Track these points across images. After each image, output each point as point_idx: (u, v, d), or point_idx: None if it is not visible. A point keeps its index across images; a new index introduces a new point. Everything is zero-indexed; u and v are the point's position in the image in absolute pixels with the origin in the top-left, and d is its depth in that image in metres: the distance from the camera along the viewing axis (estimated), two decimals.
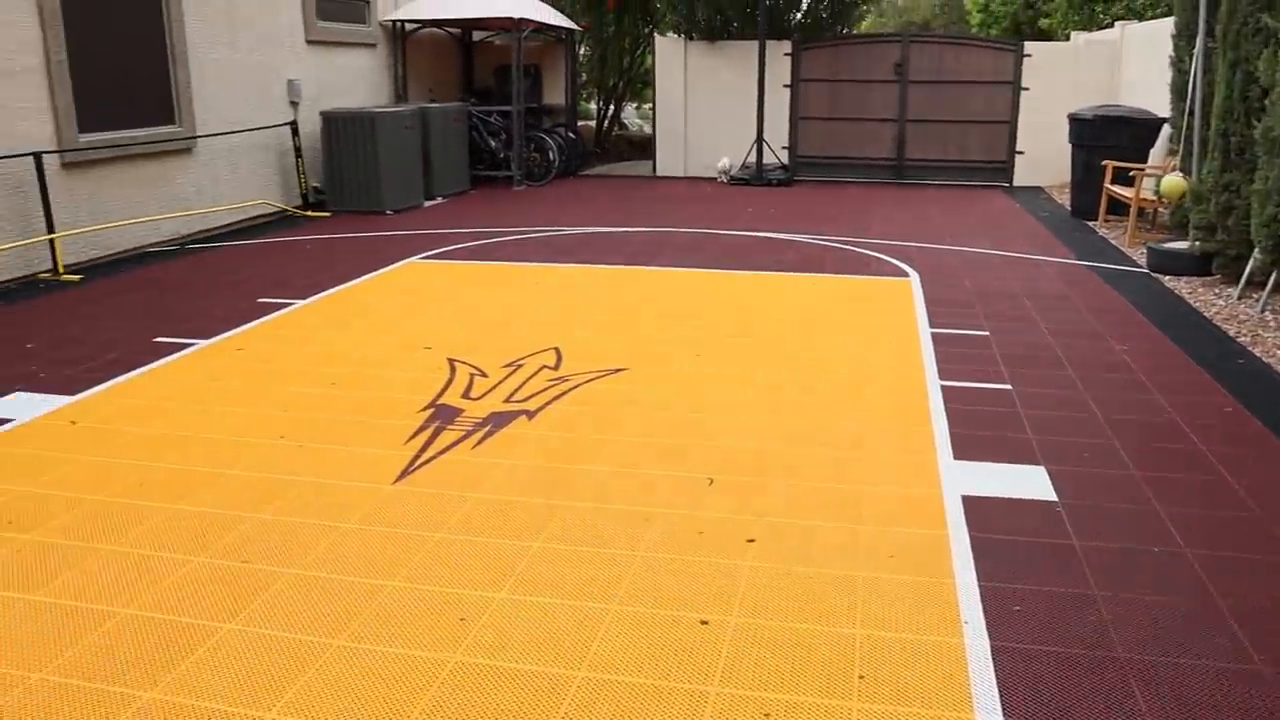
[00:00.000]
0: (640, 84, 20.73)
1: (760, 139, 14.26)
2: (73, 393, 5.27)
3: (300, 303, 7.17)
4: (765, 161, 14.35)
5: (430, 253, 9.05)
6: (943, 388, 5.20)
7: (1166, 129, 10.75)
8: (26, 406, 5.08)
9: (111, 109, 8.99)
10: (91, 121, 8.74)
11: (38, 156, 8.01)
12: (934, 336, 6.17)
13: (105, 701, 2.68)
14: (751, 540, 3.55)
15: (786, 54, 14.76)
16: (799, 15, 16.23)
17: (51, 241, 8.21)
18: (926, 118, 14.51)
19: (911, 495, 3.92)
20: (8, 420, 4.88)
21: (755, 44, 14.35)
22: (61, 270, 8.25)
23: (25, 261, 8.16)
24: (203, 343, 6.15)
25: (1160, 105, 11.01)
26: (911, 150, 14.67)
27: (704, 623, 3.03)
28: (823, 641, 2.93)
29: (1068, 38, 17.05)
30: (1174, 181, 8.62)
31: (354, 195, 11.52)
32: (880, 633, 2.97)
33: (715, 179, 14.73)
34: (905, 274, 8.05)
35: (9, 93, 7.93)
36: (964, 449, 4.39)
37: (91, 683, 2.76)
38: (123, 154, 9.11)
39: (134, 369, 5.65)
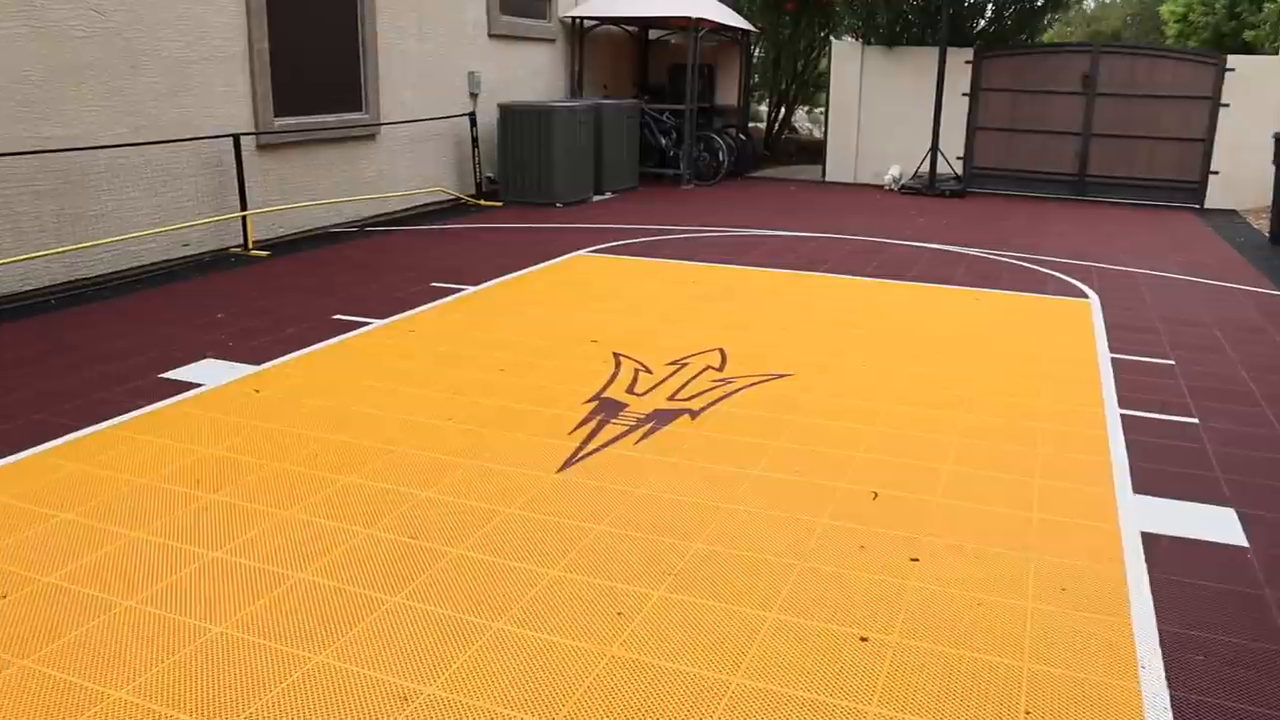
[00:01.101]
0: (813, 88, 20.50)
1: (935, 148, 13.91)
2: (257, 362, 5.53)
3: (471, 289, 7.35)
4: (938, 171, 13.99)
5: (598, 247, 9.15)
6: (1122, 417, 4.94)
7: None
8: (216, 373, 5.35)
9: (305, 95, 9.41)
10: (286, 106, 9.17)
11: (236, 138, 8.45)
12: (1114, 362, 5.88)
13: (278, 660, 2.79)
14: (915, 559, 3.45)
15: (967, 61, 14.34)
16: (982, 23, 15.77)
17: (244, 218, 8.65)
18: (1113, 132, 13.87)
19: (1086, 527, 3.74)
20: (199, 385, 5.15)
21: (935, 51, 13.99)
22: (251, 246, 8.69)
23: (219, 236, 8.62)
24: (378, 322, 6.37)
25: None
26: (1095, 166, 14.06)
27: (864, 639, 2.95)
28: (987, 671, 2.81)
29: (1276, 51, 16.04)
30: None
31: (526, 187, 11.76)
32: (1049, 669, 2.84)
33: (884, 187, 14.44)
34: (1084, 295, 7.71)
35: (215, 78, 8.39)
36: (1145, 483, 4.16)
37: (266, 640, 2.88)
38: (312, 138, 9.53)
39: (314, 344, 5.90)
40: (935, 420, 4.80)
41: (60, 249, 7.21)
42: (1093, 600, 3.21)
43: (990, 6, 15.57)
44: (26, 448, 4.30)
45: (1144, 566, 3.44)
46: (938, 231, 10.71)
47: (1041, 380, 5.47)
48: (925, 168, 14.08)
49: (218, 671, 2.74)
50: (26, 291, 7.04)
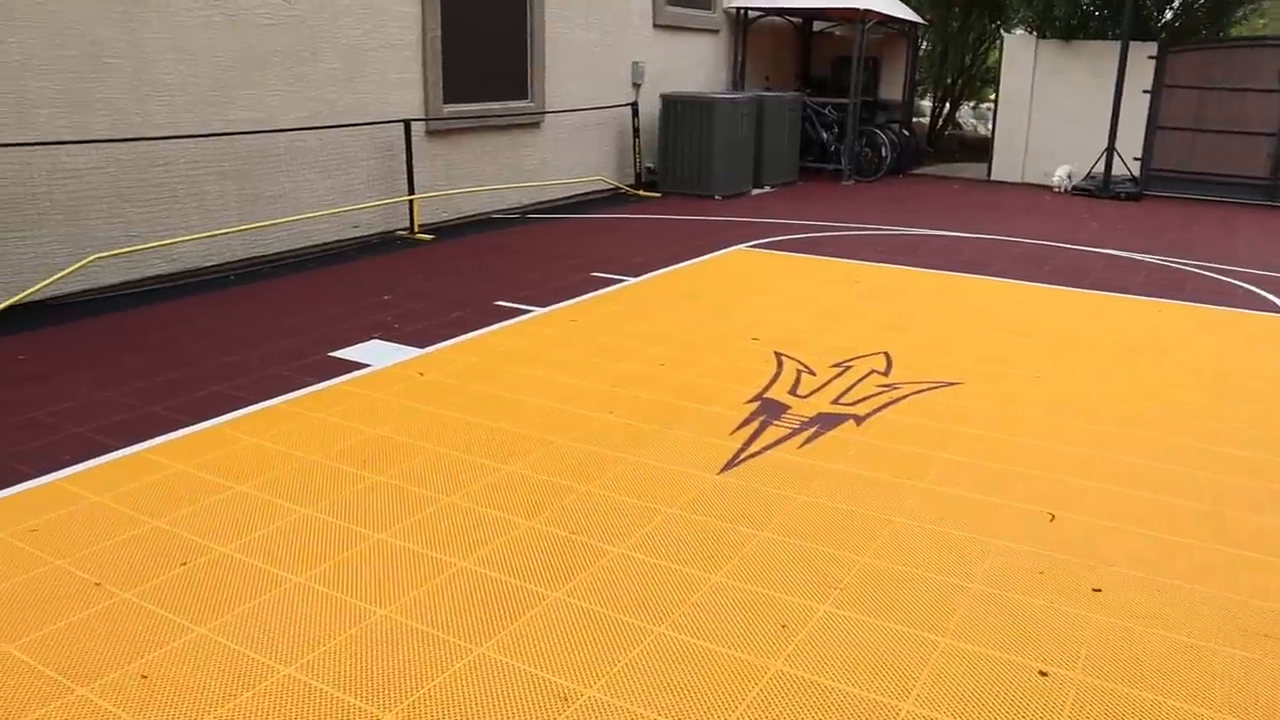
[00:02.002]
0: (980, 82, 19.83)
1: (1111, 148, 13.25)
2: (422, 345, 5.63)
3: (630, 280, 7.33)
4: (1114, 172, 13.32)
5: (757, 241, 9.03)
6: None
7: None
8: (382, 354, 5.47)
9: (473, 82, 9.57)
10: (455, 93, 9.35)
11: (407, 124, 8.64)
12: None
13: (440, 649, 2.79)
14: (1098, 590, 3.24)
15: (1150, 57, 13.58)
16: (1168, 15, 14.93)
17: (411, 202, 8.85)
18: None
19: None
20: (366, 365, 5.27)
21: (1115, 45, 13.31)
22: (416, 229, 8.88)
23: (386, 219, 8.84)
24: (539, 310, 6.41)
25: None
26: None
27: (1043, 674, 2.78)
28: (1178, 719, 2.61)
29: None
30: None
31: (685, 178, 11.70)
32: None
33: (1053, 188, 13.84)
34: (1278, 308, 7.19)
35: (390, 65, 8.60)
36: None
37: (429, 627, 2.89)
38: (479, 125, 9.69)
39: (476, 329, 5.97)
40: (1117, 439, 4.53)
41: (241, 227, 7.51)
42: None
43: None
44: (206, 419, 4.47)
45: None
46: (1113, 236, 10.19)
47: (1234, 401, 5.10)
48: (1099, 168, 13.43)
49: (382, 656, 2.76)
50: (209, 267, 7.35)
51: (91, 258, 6.53)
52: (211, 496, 3.71)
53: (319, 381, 5.00)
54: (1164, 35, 14.44)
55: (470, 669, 2.71)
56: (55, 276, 6.35)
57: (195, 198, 7.19)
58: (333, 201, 8.29)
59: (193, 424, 4.41)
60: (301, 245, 8.09)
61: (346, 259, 7.90)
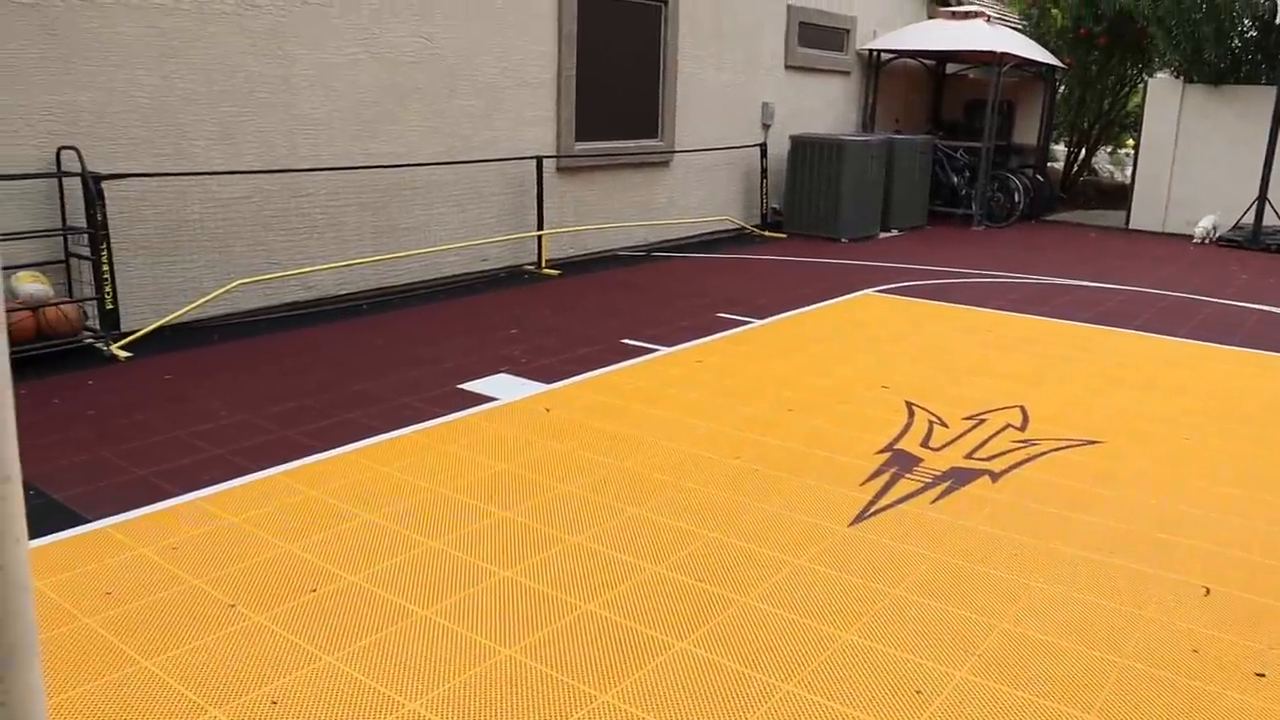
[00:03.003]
0: (1118, 128, 19.23)
1: (1263, 196, 12.65)
2: (548, 381, 5.65)
3: (757, 322, 7.26)
4: (1265, 223, 12.72)
5: (885, 286, 8.86)
6: None
7: None
8: (509, 388, 5.51)
9: (604, 121, 9.67)
10: (586, 131, 9.46)
11: (539, 160, 8.77)
12: None
13: (565, 694, 2.75)
14: (1261, 675, 3.02)
15: None
16: None
17: (539, 237, 8.96)
18: None
19: None
20: (494, 398, 5.31)
21: (1270, 90, 12.75)
22: (544, 264, 8.98)
23: (515, 253, 8.97)
24: (665, 350, 6.39)
25: None
26: None
27: None
28: None
29: None
30: None
31: (811, 220, 11.60)
32: None
33: (1194, 240, 13.27)
34: None
35: (525, 103, 8.76)
36: None
37: (553, 670, 2.86)
38: (609, 162, 9.78)
39: (603, 366, 5.97)
40: (1274, 509, 4.25)
41: (375, 258, 7.70)
42: None
43: None
44: (338, 446, 4.55)
45: None
46: (1265, 291, 9.69)
47: None
48: (1249, 218, 12.84)
49: (506, 697, 2.73)
50: (342, 295, 7.56)
51: (235, 283, 6.77)
52: (342, 524, 3.77)
53: (447, 413, 5.06)
54: None
55: (593, 716, 2.66)
56: (201, 300, 6.60)
57: (333, 228, 7.41)
58: (464, 235, 8.44)
59: (325, 450, 4.50)
60: (432, 277, 8.26)
61: (475, 292, 8.03)
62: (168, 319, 6.43)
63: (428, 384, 5.54)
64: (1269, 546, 3.89)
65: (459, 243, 8.39)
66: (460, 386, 5.52)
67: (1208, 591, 3.51)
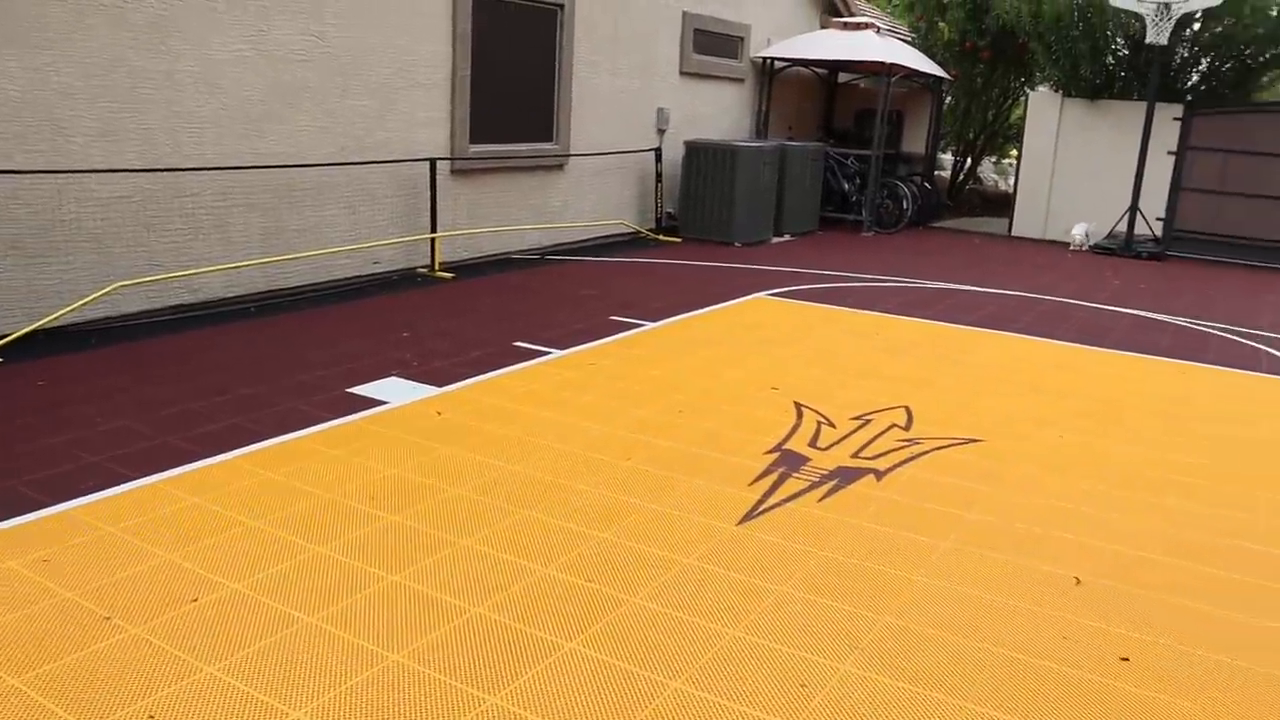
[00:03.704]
0: (1002, 139, 19.88)
1: (1135, 206, 13.23)
2: (440, 384, 5.60)
3: (650, 324, 7.31)
4: (1137, 232, 13.29)
5: (777, 290, 9.01)
6: None
7: None
8: (400, 391, 5.44)
9: (499, 123, 9.63)
10: (481, 133, 9.40)
11: (433, 162, 8.69)
12: None
13: (454, 699, 2.74)
14: (1125, 659, 3.16)
15: (1176, 119, 13.59)
16: (1195, 78, 14.97)
17: (432, 240, 8.88)
18: None
19: None
20: (384, 402, 5.24)
21: (1140, 106, 13.35)
22: (437, 267, 8.90)
23: (408, 256, 8.87)
24: (558, 353, 6.39)
25: None
26: None
27: None
28: None
29: None
30: None
31: (705, 224, 11.73)
32: None
33: (1070, 247, 13.78)
34: None
35: (418, 104, 8.67)
36: None
37: (442, 675, 2.84)
38: (504, 165, 9.74)
39: (495, 369, 5.95)
40: (1144, 503, 4.45)
41: (264, 260, 7.53)
42: None
43: (1205, 62, 14.76)
44: (223, 451, 4.44)
45: None
46: (1135, 296, 10.13)
47: (1264, 467, 5.03)
48: (1122, 227, 13.41)
49: (394, 703, 2.70)
50: (230, 298, 7.37)
51: (115, 285, 6.55)
52: (226, 532, 3.68)
53: (336, 417, 4.98)
54: (1190, 98, 14.47)
55: (481, 719, 2.65)
56: (78, 303, 6.37)
57: (220, 229, 7.22)
58: (356, 237, 8.32)
59: (210, 456, 4.39)
60: (322, 280, 8.11)
61: (367, 295, 7.91)
62: (42, 322, 6.18)
63: (317, 388, 5.44)
64: (1137, 539, 4.08)
65: (351, 245, 8.26)
66: (350, 390, 5.43)
67: (1078, 582, 3.66)
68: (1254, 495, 4.64)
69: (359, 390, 5.44)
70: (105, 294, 6.50)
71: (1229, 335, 8.40)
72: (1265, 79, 15.82)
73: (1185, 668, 3.12)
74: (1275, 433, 5.63)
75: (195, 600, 3.19)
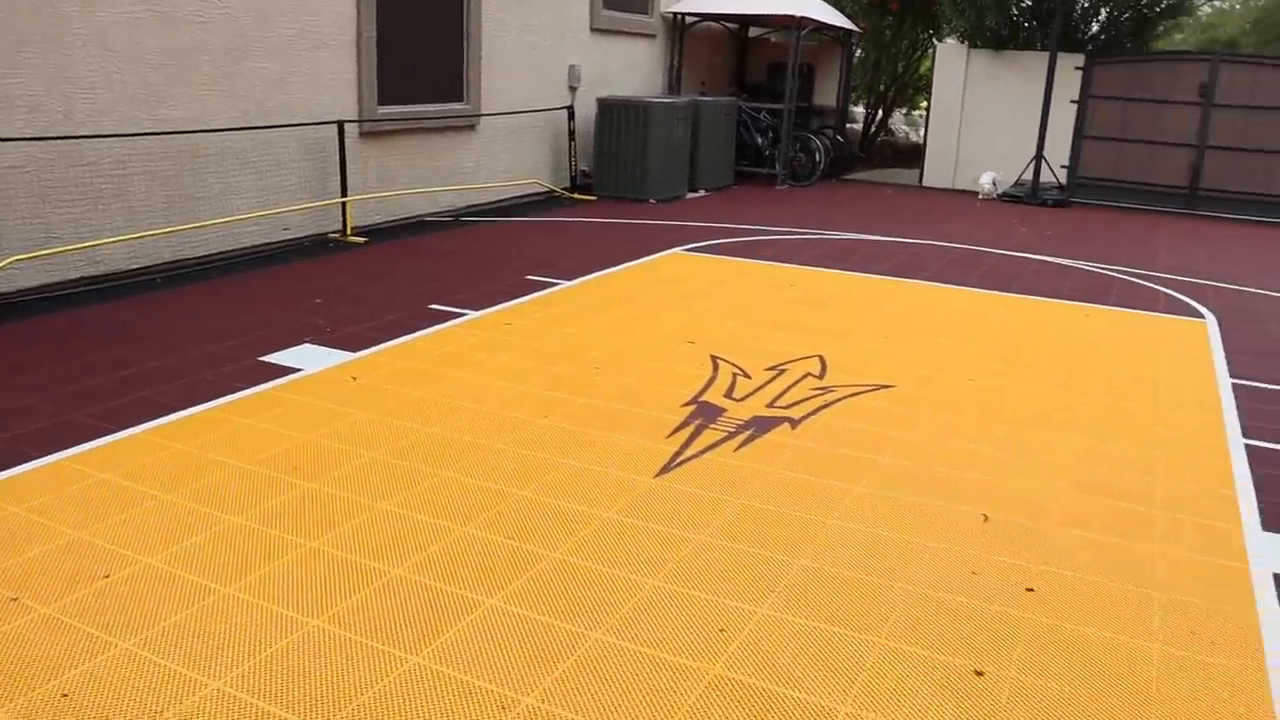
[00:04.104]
0: (912, 90, 20.11)
1: (1039, 155, 13.52)
2: (354, 350, 5.54)
3: (566, 283, 7.30)
4: (1042, 180, 13.60)
5: (693, 245, 9.05)
6: (1247, 447, 4.69)
7: None
8: (313, 358, 5.37)
9: (408, 84, 9.47)
10: (390, 94, 9.24)
11: (340, 125, 8.52)
12: (1235, 388, 5.60)
13: (375, 660, 2.74)
14: (1031, 589, 3.28)
15: (1077, 68, 13.90)
16: (1095, 28, 15.29)
17: (343, 205, 8.73)
18: (1230, 145, 13.33)
19: (1213, 565, 3.53)
20: (297, 369, 5.17)
21: (1043, 56, 13.61)
22: (349, 232, 8.76)
23: (318, 222, 8.71)
24: (473, 314, 6.35)
25: None
26: (1209, 179, 13.52)
27: (979, 673, 2.81)
28: (1109, 716, 2.65)
29: None
30: None
31: (620, 181, 11.70)
32: (1175, 717, 2.66)
33: (979, 196, 14.04)
34: (1200, 315, 7.38)
35: (323, 66, 8.47)
36: (1276, 520, 3.92)
37: (363, 637, 2.84)
38: (414, 127, 9.59)
39: (410, 332, 5.90)
40: (1046, 441, 4.60)
41: (168, 229, 7.34)
42: (1224, 645, 3.01)
43: (1104, 11, 15.08)
44: (131, 426, 4.35)
45: (1279, 612, 3.23)
46: (1041, 242, 10.39)
47: (1159, 404, 5.23)
48: (1028, 175, 13.70)
49: (315, 668, 2.70)
50: (135, 270, 7.17)
51: (9, 260, 6.33)
52: (136, 506, 3.61)
53: (249, 387, 4.90)
54: (1090, 47, 14.78)
55: (405, 679, 2.66)
56: None
57: (121, 199, 7.01)
58: (264, 204, 8.14)
59: (117, 431, 4.29)
60: (231, 248, 7.93)
61: (277, 262, 7.76)
62: None
63: (227, 358, 5.34)
64: (1042, 475, 4.22)
65: (258, 212, 8.08)
66: (262, 359, 5.35)
67: (986, 519, 3.78)
68: (1153, 430, 4.83)
69: (271, 359, 5.36)
70: None
71: (1130, 278, 8.67)
72: (1161, 28, 16.24)
73: (1089, 596, 3.25)
74: (1173, 370, 5.85)
75: (107, 576, 3.13)
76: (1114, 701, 2.71)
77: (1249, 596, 3.32)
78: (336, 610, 2.98)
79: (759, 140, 14.08)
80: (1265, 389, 5.61)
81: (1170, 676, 2.83)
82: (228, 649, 2.77)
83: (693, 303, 6.87)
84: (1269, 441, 4.77)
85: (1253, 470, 4.41)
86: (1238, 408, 5.26)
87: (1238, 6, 32.32)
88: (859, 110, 20.04)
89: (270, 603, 3.01)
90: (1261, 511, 3.99)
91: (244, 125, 7.79)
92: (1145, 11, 15.02)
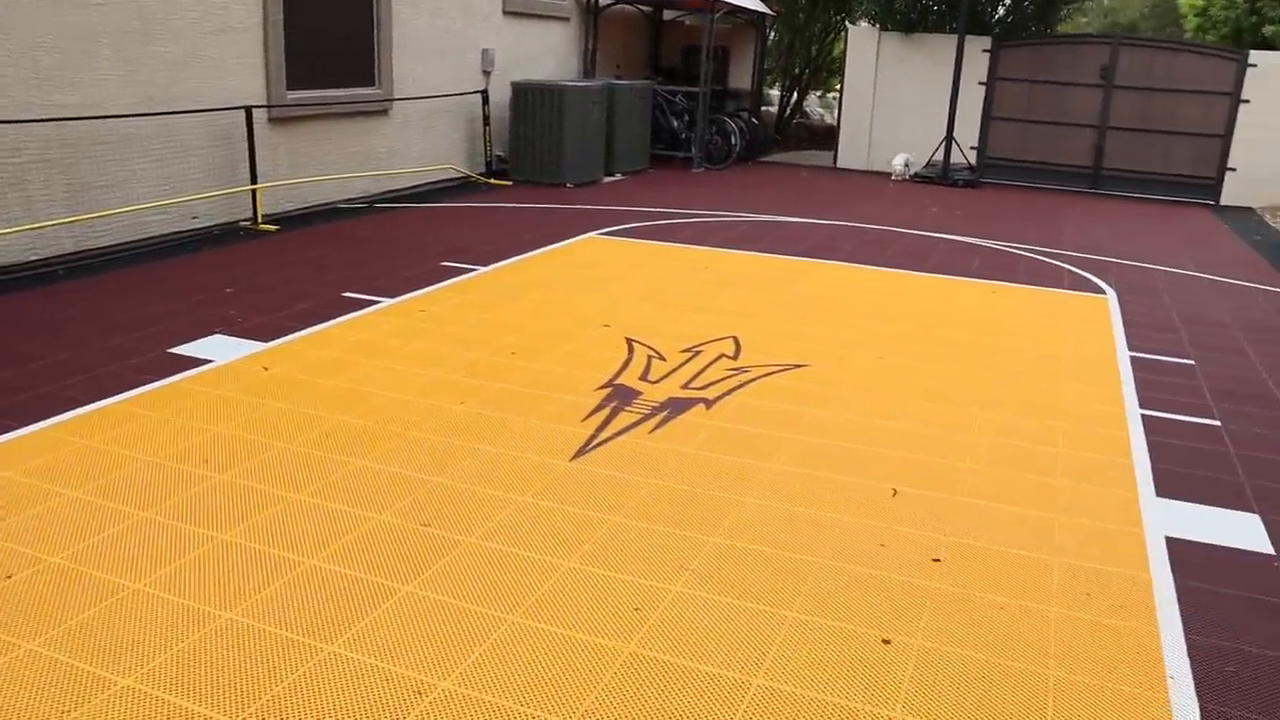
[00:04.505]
0: (826, 73, 20.34)
1: (950, 137, 13.79)
2: (267, 339, 5.46)
3: (482, 269, 7.28)
4: (953, 161, 13.88)
5: (609, 229, 9.07)
6: (1143, 417, 4.88)
7: None
8: (224, 349, 5.29)
9: (318, 68, 9.31)
10: (299, 79, 9.08)
11: (248, 110, 8.35)
12: (1133, 361, 5.81)
13: (290, 650, 2.73)
14: (938, 560, 3.39)
15: (985, 50, 14.20)
16: (1001, 11, 15.62)
17: (253, 192, 8.57)
18: (1130, 126, 13.75)
19: (1110, 530, 3.67)
20: (208, 361, 5.09)
21: (952, 39, 13.87)
22: (260, 220, 8.60)
23: (228, 210, 8.54)
24: (388, 301, 6.30)
25: None
26: (1111, 159, 13.95)
27: (886, 642, 2.89)
28: (1013, 678, 2.75)
29: None
30: None
31: (536, 166, 11.65)
32: (1075, 676, 2.77)
33: (892, 177, 14.29)
34: (1101, 290, 7.62)
35: (228, 49, 8.29)
36: (1168, 486, 4.09)
37: (277, 628, 2.82)
38: (325, 112, 9.44)
39: (324, 321, 5.83)
40: (955, 417, 4.73)
41: (69, 219, 7.14)
42: (1119, 607, 3.14)
43: None
44: (34, 422, 4.24)
45: (1170, 573, 3.38)
46: (952, 222, 10.62)
47: (1062, 378, 5.40)
48: (939, 156, 13.97)
49: (228, 661, 2.68)
50: (33, 261, 6.96)
51: None
52: (40, 504, 3.53)
53: (158, 379, 4.81)
54: (997, 30, 15.09)
55: (321, 668, 2.66)
56: None
57: (17, 188, 6.79)
58: (169, 192, 7.95)
59: (19, 427, 4.18)
60: (137, 238, 7.74)
61: (185, 251, 7.60)
62: None
63: (135, 350, 5.23)
64: (949, 449, 4.34)
65: (164, 200, 7.89)
66: (171, 351, 5.24)
67: (895, 493, 3.88)
68: (1056, 403, 4.99)
69: (181, 350, 5.25)
70: None
71: (1037, 256, 8.91)
72: (1064, 12, 16.64)
73: (993, 564, 3.37)
74: (1076, 345, 6.04)
75: (10, 577, 3.06)
76: (1014, 663, 2.81)
77: (1143, 559, 3.47)
78: (250, 602, 2.96)
79: (675, 123, 14.13)
80: (1161, 361, 5.83)
81: (1067, 638, 2.95)
82: (137, 645, 2.73)
83: (609, 286, 6.89)
84: (1163, 411, 4.97)
85: (1148, 439, 4.59)
86: (1135, 380, 5.45)
87: None
88: (774, 93, 20.23)
89: (181, 597, 2.97)
90: (1155, 478, 4.16)
91: (146, 111, 7.59)
92: None
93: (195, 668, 2.64)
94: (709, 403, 4.73)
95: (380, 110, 10.19)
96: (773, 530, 3.53)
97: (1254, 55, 13.29)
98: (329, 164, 9.61)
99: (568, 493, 3.74)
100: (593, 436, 4.27)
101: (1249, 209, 13.06)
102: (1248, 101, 13.16)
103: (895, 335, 6.03)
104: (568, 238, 8.58)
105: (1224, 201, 13.48)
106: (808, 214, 10.60)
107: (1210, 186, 13.56)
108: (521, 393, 4.77)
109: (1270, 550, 3.60)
